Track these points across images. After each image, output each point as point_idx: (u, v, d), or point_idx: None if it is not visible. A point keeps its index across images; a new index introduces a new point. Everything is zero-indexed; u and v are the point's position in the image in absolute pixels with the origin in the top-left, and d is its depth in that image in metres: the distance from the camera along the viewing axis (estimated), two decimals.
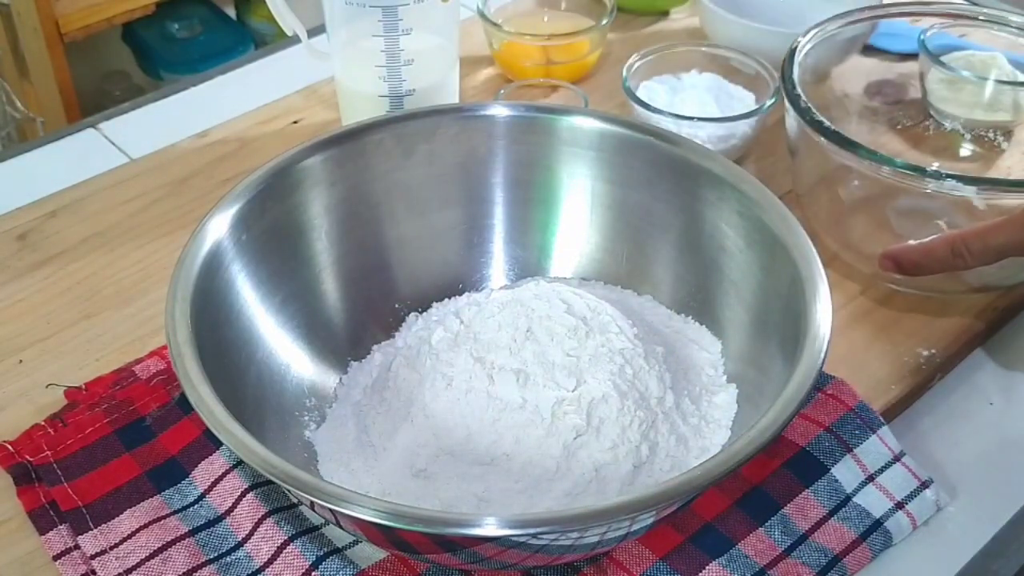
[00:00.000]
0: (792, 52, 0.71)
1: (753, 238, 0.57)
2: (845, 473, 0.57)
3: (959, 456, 0.60)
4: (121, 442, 0.59)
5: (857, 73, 0.79)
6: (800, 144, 0.69)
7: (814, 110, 0.66)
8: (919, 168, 0.62)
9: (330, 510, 0.45)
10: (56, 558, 0.54)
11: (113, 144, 0.83)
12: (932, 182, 0.62)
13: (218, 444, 0.57)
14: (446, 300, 0.64)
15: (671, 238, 0.62)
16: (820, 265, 0.53)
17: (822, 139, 0.65)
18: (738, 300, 0.59)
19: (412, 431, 0.54)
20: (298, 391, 0.58)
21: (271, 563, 0.53)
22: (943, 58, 0.81)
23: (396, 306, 0.64)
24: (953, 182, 0.61)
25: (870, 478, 0.57)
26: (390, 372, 0.58)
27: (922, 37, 0.81)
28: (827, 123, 0.65)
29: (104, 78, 1.81)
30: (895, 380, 0.63)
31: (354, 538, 0.54)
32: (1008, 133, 0.82)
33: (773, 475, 0.57)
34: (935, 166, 0.70)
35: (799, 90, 0.67)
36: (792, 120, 0.68)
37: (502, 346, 0.55)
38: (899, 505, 0.56)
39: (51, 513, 0.56)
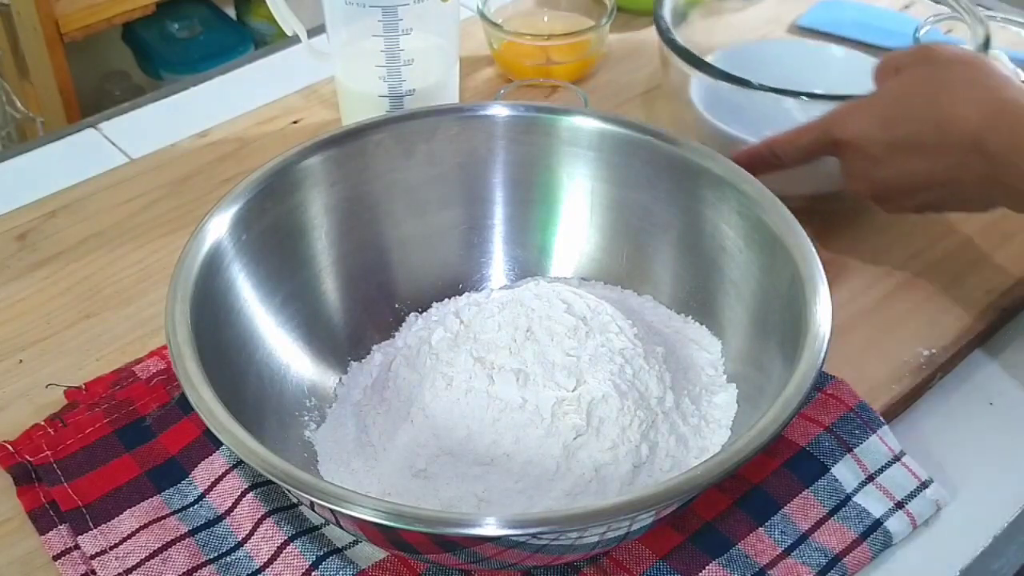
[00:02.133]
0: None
1: (753, 238, 0.57)
2: (845, 473, 0.57)
3: (959, 456, 0.60)
4: (121, 442, 0.59)
5: None
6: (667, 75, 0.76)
7: (672, 31, 0.72)
8: (745, 81, 0.68)
9: (330, 510, 0.45)
10: (56, 558, 0.54)
11: (113, 144, 0.83)
12: (756, 93, 0.67)
13: (218, 444, 0.57)
14: (446, 300, 0.64)
15: (671, 238, 0.62)
16: (820, 265, 0.53)
17: (675, 56, 0.71)
18: (738, 300, 0.59)
19: (412, 431, 0.54)
20: (298, 391, 0.58)
21: (271, 563, 0.53)
22: None
23: (396, 306, 0.64)
24: (775, 95, 0.67)
25: (870, 478, 0.57)
26: (390, 372, 0.58)
27: (917, 35, 0.81)
28: (679, 41, 0.71)
29: (104, 78, 1.81)
30: (895, 380, 0.62)
31: (354, 538, 0.54)
32: None
33: (773, 475, 0.57)
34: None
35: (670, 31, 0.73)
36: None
37: (502, 346, 0.55)
38: (899, 505, 0.56)
39: (51, 513, 0.56)
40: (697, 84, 0.73)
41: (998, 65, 0.60)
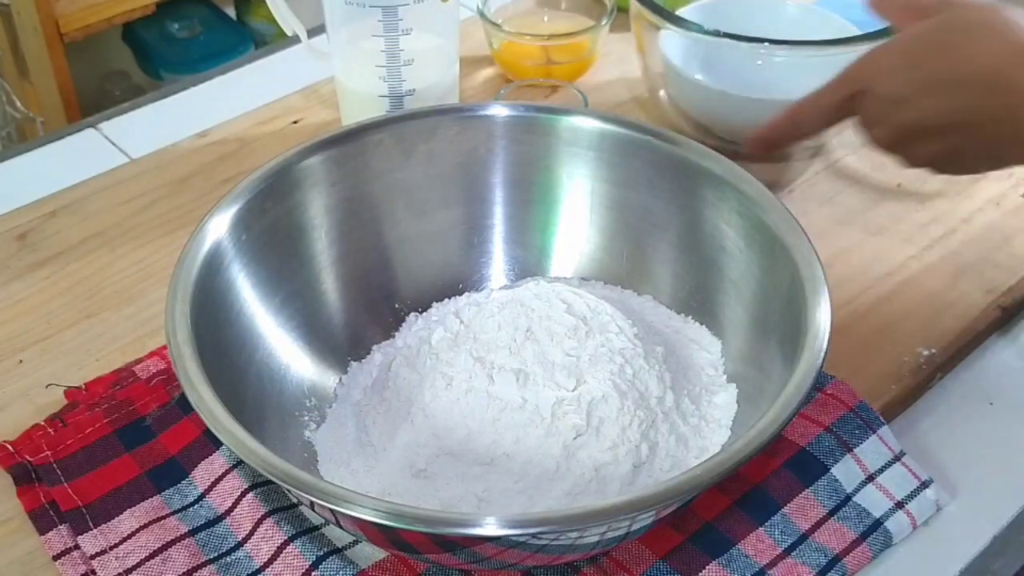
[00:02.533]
0: None
1: (753, 238, 0.57)
2: (845, 473, 0.57)
3: (959, 456, 0.60)
4: (121, 442, 0.59)
5: None
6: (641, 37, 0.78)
7: None
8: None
9: (330, 510, 0.45)
10: (56, 558, 0.54)
11: (113, 144, 0.83)
12: (745, 45, 0.70)
13: (218, 444, 0.57)
14: (446, 300, 0.64)
15: (671, 238, 0.62)
16: (820, 265, 0.53)
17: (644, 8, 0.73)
18: (738, 300, 0.59)
19: (412, 431, 0.54)
20: (298, 391, 0.58)
21: (271, 563, 0.53)
22: None
23: (396, 306, 0.64)
24: (768, 45, 0.70)
25: (870, 478, 0.57)
26: (390, 372, 0.58)
27: None
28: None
29: (104, 78, 1.81)
30: (895, 380, 0.62)
31: (354, 538, 0.54)
32: None
33: (773, 475, 0.57)
34: None
35: None
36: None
37: (502, 346, 0.55)
38: (899, 505, 0.56)
39: (51, 513, 0.56)
40: (665, 37, 0.76)
41: (1021, 12, 0.60)
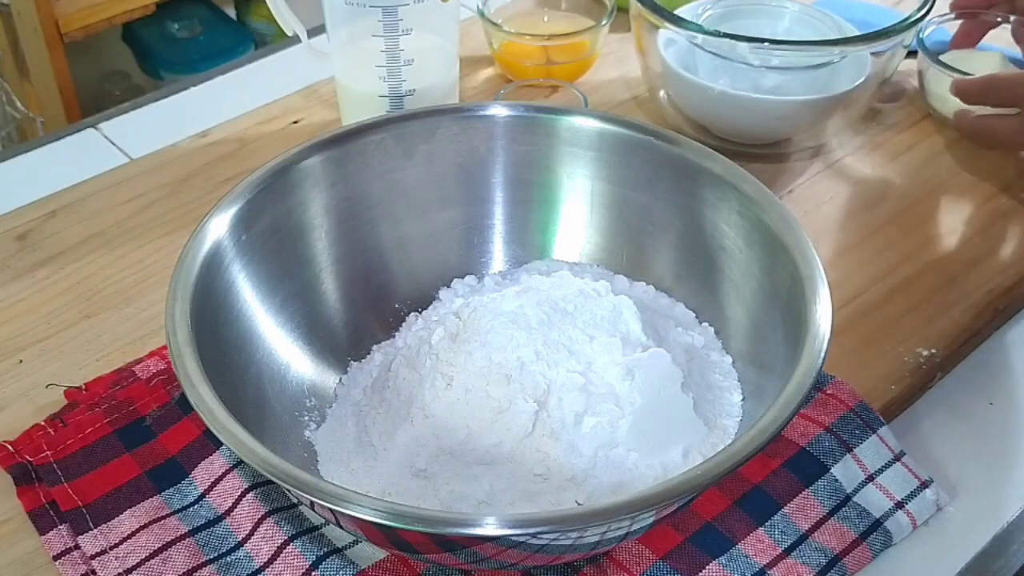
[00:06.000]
0: None
1: (753, 238, 0.57)
2: (845, 473, 0.57)
3: (959, 456, 0.60)
4: (121, 442, 0.59)
5: None
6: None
7: None
8: (742, 36, 0.71)
9: (330, 510, 0.45)
10: (56, 558, 0.54)
11: (113, 144, 0.83)
12: (744, 45, 0.71)
13: (218, 444, 0.57)
14: (445, 300, 0.64)
15: (671, 238, 0.62)
16: (820, 265, 0.53)
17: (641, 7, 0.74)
18: (738, 300, 0.59)
19: (412, 431, 0.54)
20: (298, 391, 0.58)
21: (271, 563, 0.53)
22: (942, 56, 0.81)
23: (396, 306, 0.64)
24: (768, 45, 0.71)
25: (870, 478, 0.57)
26: (390, 372, 0.58)
27: (920, 35, 0.81)
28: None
29: (104, 78, 1.81)
30: (895, 380, 0.62)
31: (354, 538, 0.54)
32: None
33: (773, 475, 0.57)
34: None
35: None
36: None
37: (503, 345, 0.55)
38: (899, 505, 0.56)
39: (51, 513, 0.56)
40: (665, 37, 0.77)
41: None
